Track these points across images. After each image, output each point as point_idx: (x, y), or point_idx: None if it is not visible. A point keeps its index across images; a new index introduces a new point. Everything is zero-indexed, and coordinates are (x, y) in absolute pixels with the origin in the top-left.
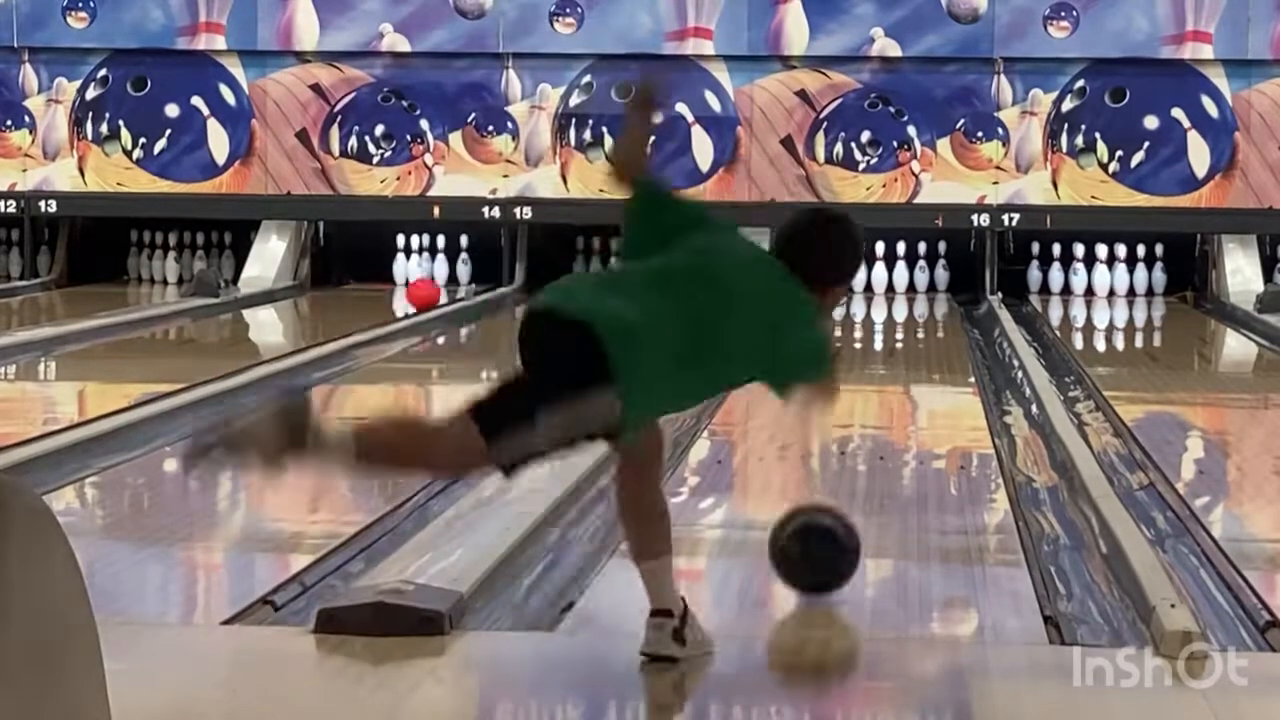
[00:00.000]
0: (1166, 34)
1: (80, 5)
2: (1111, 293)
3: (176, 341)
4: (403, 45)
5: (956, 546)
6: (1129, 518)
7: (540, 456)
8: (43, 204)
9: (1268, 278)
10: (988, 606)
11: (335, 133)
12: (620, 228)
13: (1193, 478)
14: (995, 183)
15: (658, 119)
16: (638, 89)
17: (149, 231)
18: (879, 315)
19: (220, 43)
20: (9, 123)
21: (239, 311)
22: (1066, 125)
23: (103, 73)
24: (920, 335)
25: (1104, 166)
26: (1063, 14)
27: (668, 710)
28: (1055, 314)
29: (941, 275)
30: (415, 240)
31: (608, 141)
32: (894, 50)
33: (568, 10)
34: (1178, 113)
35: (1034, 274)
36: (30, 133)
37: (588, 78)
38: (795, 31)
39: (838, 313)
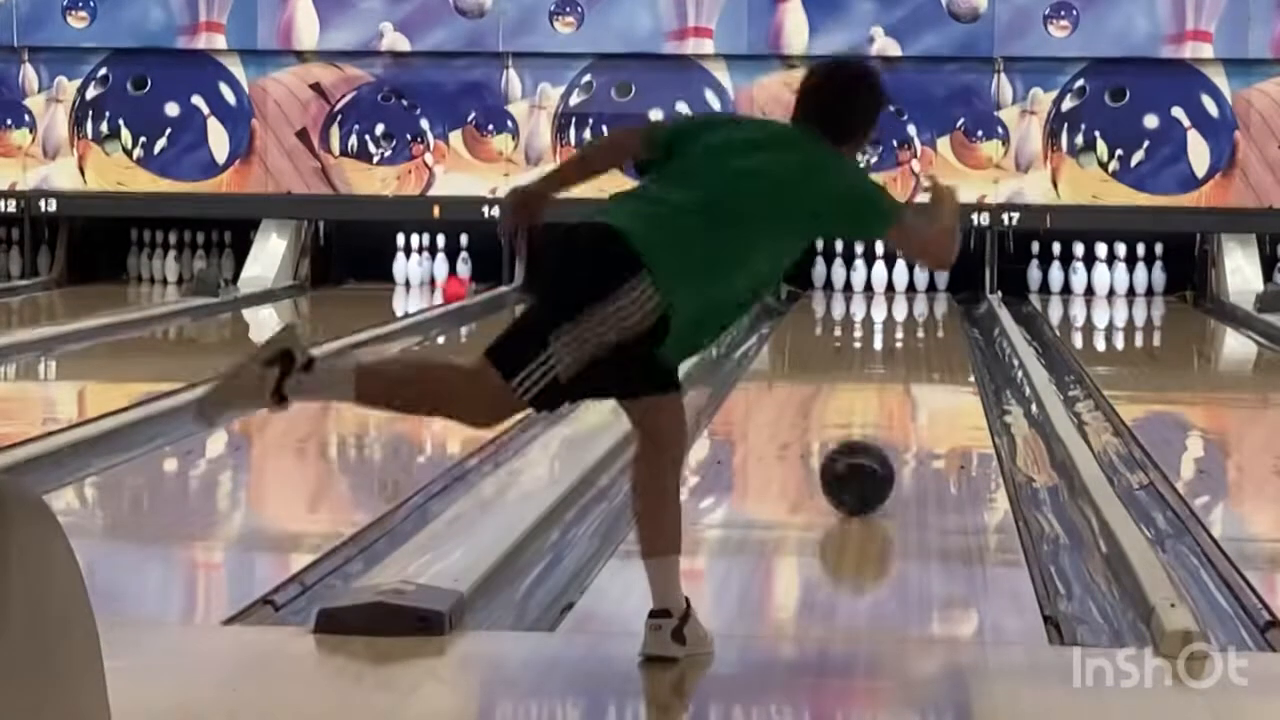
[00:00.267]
0: (1167, 33)
1: (80, 5)
2: (1111, 292)
3: (176, 341)
4: (403, 45)
5: (956, 546)
6: (1129, 518)
7: (573, 387)
8: (43, 203)
9: (1268, 277)
10: (988, 606)
11: (335, 132)
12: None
13: (1193, 478)
14: (995, 182)
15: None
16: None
17: (149, 231)
18: (879, 315)
19: (220, 42)
20: (9, 122)
21: (239, 311)
22: (1066, 125)
23: (103, 72)
24: (920, 335)
25: (1104, 166)
26: (1063, 13)
27: (668, 710)
28: (1055, 313)
29: (941, 274)
30: (415, 240)
31: None
32: (894, 49)
33: (568, 10)
34: (1178, 112)
35: (1034, 273)
36: (30, 132)
37: (588, 77)
38: (795, 31)
39: (838, 312)
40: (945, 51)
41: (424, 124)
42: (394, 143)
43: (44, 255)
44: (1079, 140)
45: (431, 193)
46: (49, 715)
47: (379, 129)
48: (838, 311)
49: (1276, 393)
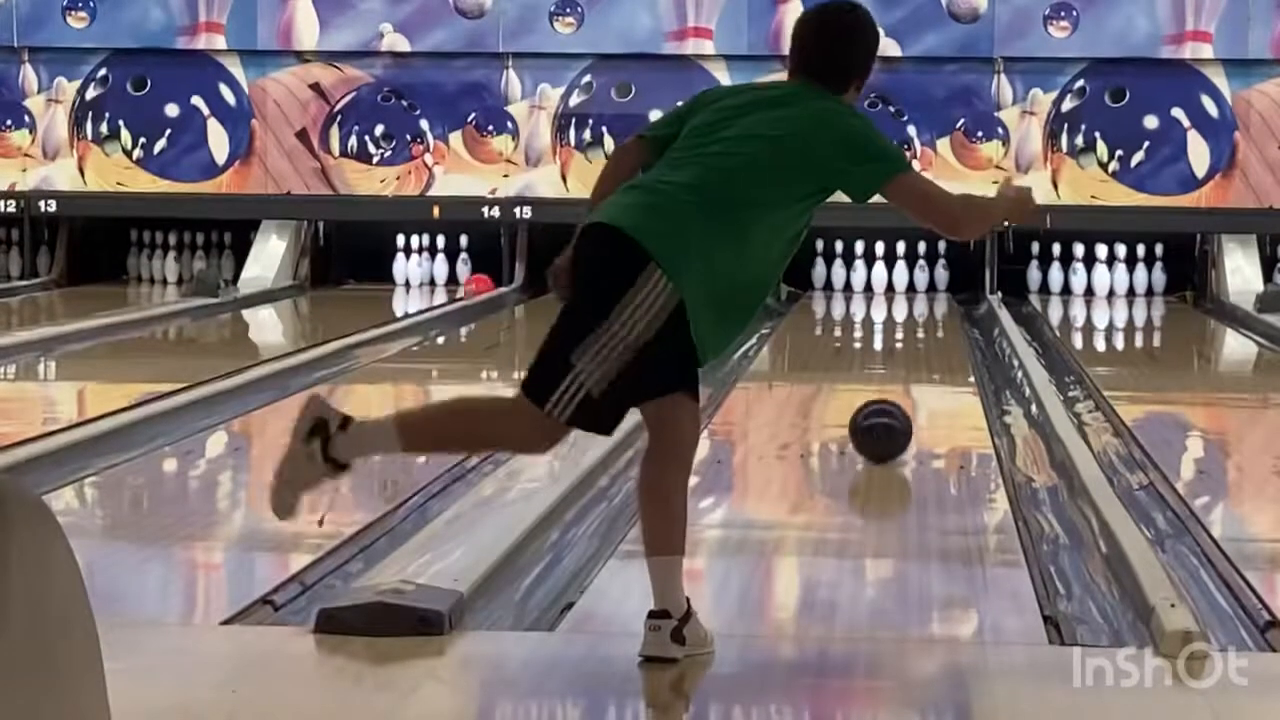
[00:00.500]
0: (1166, 34)
1: (80, 5)
2: (1111, 293)
3: (176, 341)
4: (403, 45)
5: (956, 546)
6: (1129, 518)
7: (610, 399)
8: (43, 204)
9: (1268, 278)
10: (988, 606)
11: (335, 132)
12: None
13: (1193, 478)
14: (995, 182)
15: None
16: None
17: (149, 231)
18: (879, 315)
19: (220, 42)
20: (9, 122)
21: (239, 311)
22: (1066, 125)
23: (103, 72)
24: (920, 335)
25: (1104, 166)
26: (1063, 14)
27: (668, 710)
28: (1055, 314)
29: (941, 275)
30: (415, 240)
31: (608, 141)
32: (894, 50)
33: (568, 10)
34: (1178, 112)
35: (1034, 274)
36: (30, 132)
37: (588, 78)
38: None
39: (838, 312)
40: (945, 52)
41: (424, 124)
42: (394, 143)
43: (44, 255)
44: (1079, 141)
45: (431, 193)
46: (49, 715)
47: (379, 129)
48: (838, 311)
49: (1276, 393)
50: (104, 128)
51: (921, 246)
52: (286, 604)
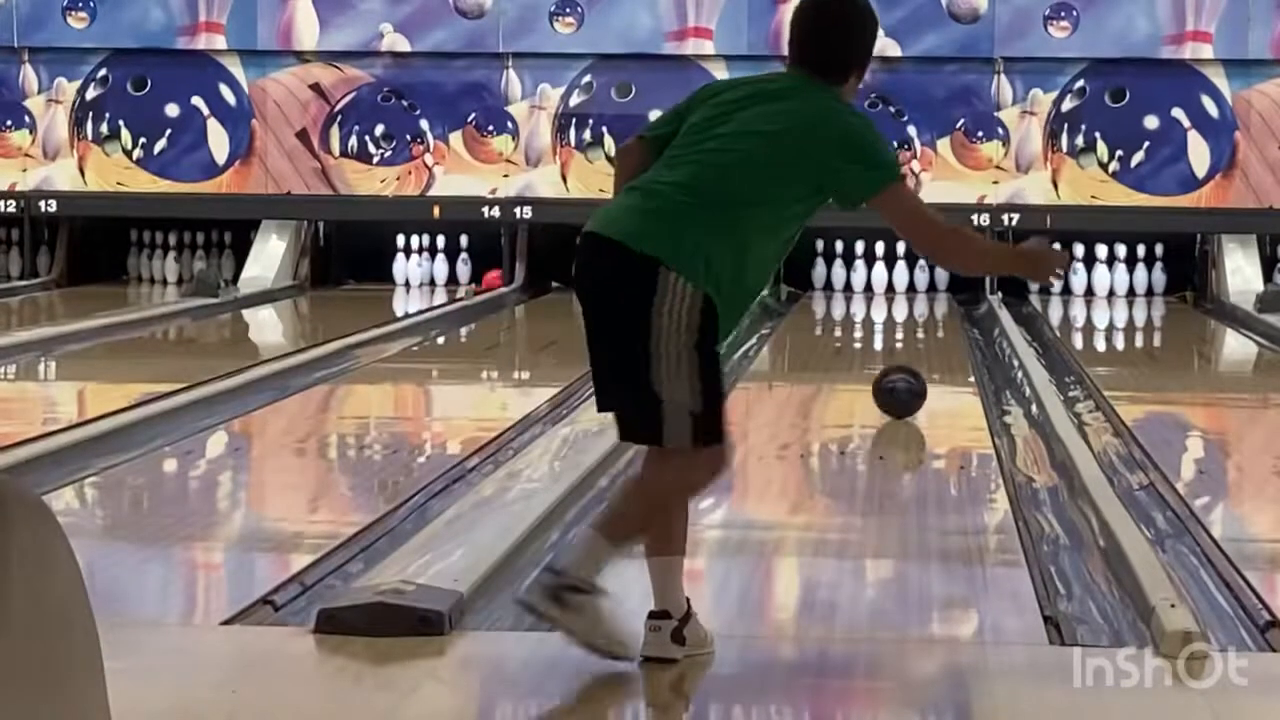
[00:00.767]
0: (1166, 34)
1: (80, 5)
2: (1111, 293)
3: (176, 341)
4: (403, 45)
5: (956, 546)
6: (1129, 518)
7: (713, 400)
8: (43, 204)
9: (1268, 278)
10: (988, 606)
11: (335, 132)
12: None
13: (1193, 478)
14: (995, 182)
15: None
16: None
17: (149, 231)
18: (879, 315)
19: (220, 42)
20: (9, 123)
21: (239, 311)
22: (1066, 125)
23: (103, 73)
24: (920, 335)
25: (1104, 166)
26: (1063, 14)
27: (668, 710)
28: (1055, 314)
29: (941, 275)
30: (415, 240)
31: (608, 141)
32: (894, 50)
33: (568, 10)
34: (1178, 113)
35: None
36: (30, 133)
37: (588, 78)
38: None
39: (838, 312)
40: (945, 52)
41: (424, 124)
42: (394, 143)
43: (44, 256)
44: (1079, 141)
45: (431, 193)
46: (49, 715)
47: (379, 129)
48: (838, 312)
49: (1276, 393)
50: (104, 128)
51: None
52: (286, 604)
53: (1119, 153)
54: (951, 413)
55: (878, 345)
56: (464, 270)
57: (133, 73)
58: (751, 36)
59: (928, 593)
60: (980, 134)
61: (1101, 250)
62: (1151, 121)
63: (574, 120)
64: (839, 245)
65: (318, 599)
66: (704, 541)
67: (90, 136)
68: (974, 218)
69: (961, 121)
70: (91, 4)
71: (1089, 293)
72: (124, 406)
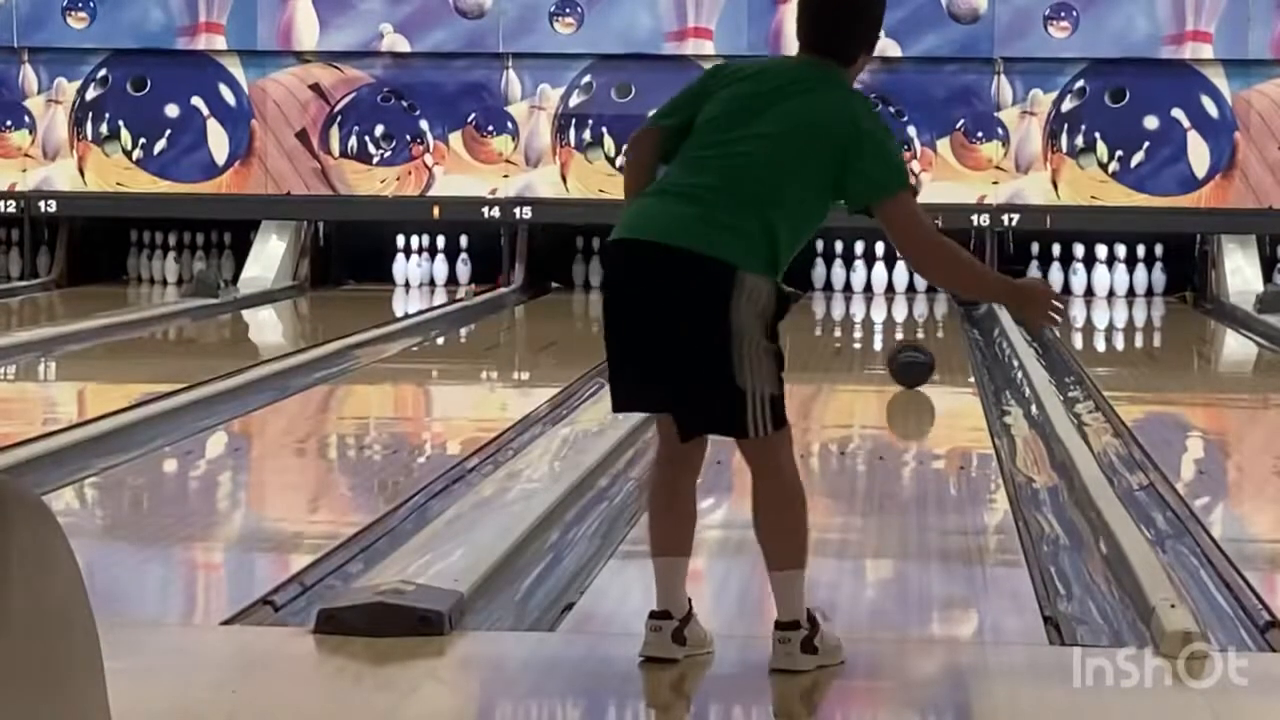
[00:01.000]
0: (1166, 34)
1: (80, 5)
2: (1111, 293)
3: (176, 341)
4: (403, 45)
5: (956, 546)
6: (1129, 518)
7: (779, 390)
8: (43, 204)
9: (1268, 278)
10: (988, 606)
11: (335, 133)
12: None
13: (1193, 478)
14: (995, 183)
15: None
16: None
17: (149, 231)
18: (879, 315)
19: (220, 43)
20: (9, 123)
21: (239, 311)
22: (1066, 125)
23: (103, 73)
24: (920, 335)
25: (1104, 166)
26: (1063, 14)
27: (668, 710)
28: None
29: None
30: (415, 240)
31: (607, 141)
32: (894, 50)
33: (568, 10)
34: (1178, 113)
35: (1034, 274)
36: (30, 133)
37: (588, 78)
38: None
39: (838, 312)
40: (945, 52)
41: (424, 125)
42: (394, 143)
43: (44, 256)
44: (1079, 141)
45: (431, 193)
46: (49, 716)
47: (379, 130)
48: (838, 312)
49: (1276, 393)
50: (104, 128)
51: None
52: (286, 604)
53: (1119, 153)
54: (951, 413)
55: (878, 345)
56: (464, 270)
57: (132, 73)
58: (751, 36)
59: (928, 593)
60: (980, 134)
61: (1101, 250)
62: (1151, 122)
63: (574, 120)
64: (839, 245)
65: (318, 599)
66: (704, 541)
67: (90, 137)
68: (974, 218)
69: (961, 122)
70: (91, 4)
71: (1089, 293)
72: (124, 407)
